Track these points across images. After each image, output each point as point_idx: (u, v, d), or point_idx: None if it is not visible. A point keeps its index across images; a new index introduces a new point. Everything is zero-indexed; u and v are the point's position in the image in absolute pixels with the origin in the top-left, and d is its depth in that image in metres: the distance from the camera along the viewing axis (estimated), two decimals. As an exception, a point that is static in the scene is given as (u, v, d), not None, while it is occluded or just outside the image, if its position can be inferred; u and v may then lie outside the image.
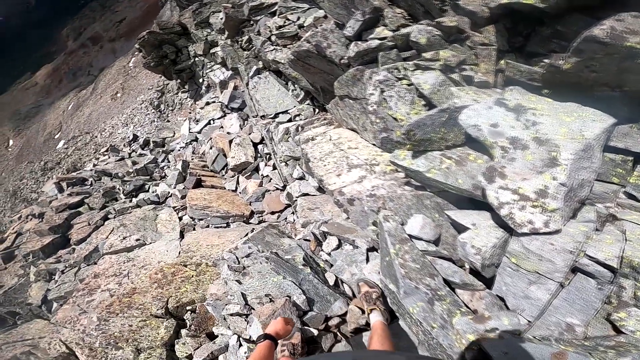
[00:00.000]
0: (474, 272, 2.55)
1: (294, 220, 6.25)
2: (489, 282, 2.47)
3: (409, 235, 2.73)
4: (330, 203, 4.76)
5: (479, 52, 3.05)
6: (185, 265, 5.33)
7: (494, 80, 3.00)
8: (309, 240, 3.90)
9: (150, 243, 6.42)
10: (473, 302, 2.42)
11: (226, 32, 8.80)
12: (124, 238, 6.50)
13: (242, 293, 3.06)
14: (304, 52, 4.32)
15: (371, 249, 3.41)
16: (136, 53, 23.33)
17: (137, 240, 6.42)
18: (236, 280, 3.19)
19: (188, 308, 4.60)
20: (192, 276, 5.07)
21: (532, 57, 2.97)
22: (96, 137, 21.27)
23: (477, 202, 2.69)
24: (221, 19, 9.01)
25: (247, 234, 5.92)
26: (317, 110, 6.37)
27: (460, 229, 2.67)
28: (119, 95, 25.83)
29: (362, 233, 3.57)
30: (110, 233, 6.89)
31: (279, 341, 2.24)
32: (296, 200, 5.29)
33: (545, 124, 2.46)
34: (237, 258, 3.96)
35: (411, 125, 2.69)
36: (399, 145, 3.09)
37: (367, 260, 3.25)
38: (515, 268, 2.21)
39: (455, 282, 2.49)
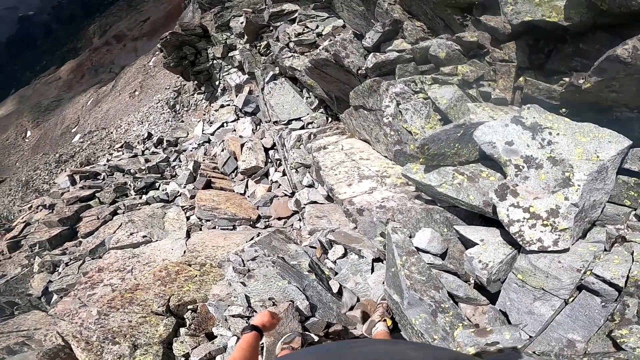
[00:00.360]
0: (478, 287, 2.53)
1: (300, 227, 6.23)
2: (492, 297, 2.45)
3: (417, 248, 2.70)
4: (338, 212, 4.75)
5: (498, 68, 3.04)
6: (190, 265, 5.33)
7: (511, 98, 2.98)
8: (315, 248, 3.89)
9: (157, 240, 6.45)
10: (475, 316, 2.40)
11: (245, 37, 8.93)
12: (131, 234, 6.54)
13: (245, 295, 3.05)
14: (322, 61, 4.35)
15: (377, 260, 3.39)
16: (157, 53, 23.75)
17: (144, 237, 6.46)
18: (241, 282, 3.18)
19: (189, 307, 4.58)
20: (196, 276, 5.07)
21: (552, 74, 2.95)
22: (111, 133, 21.62)
23: (486, 219, 2.67)
24: (241, 23, 9.15)
25: (252, 238, 5.93)
26: (330, 119, 6.39)
27: (468, 244, 2.65)
28: (137, 93, 26.27)
29: (369, 243, 3.55)
30: (118, 228, 6.94)
31: (279, 343, 2.28)
32: (304, 207, 5.28)
33: (560, 143, 2.43)
34: (242, 261, 3.96)
35: (426, 139, 2.67)
36: (412, 159, 3.09)
37: (372, 270, 3.23)
38: (521, 284, 2.19)
39: (459, 296, 2.47)
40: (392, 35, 3.84)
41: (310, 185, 5.53)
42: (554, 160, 2.41)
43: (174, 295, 4.73)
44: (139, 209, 7.45)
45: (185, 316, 4.44)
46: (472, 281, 2.60)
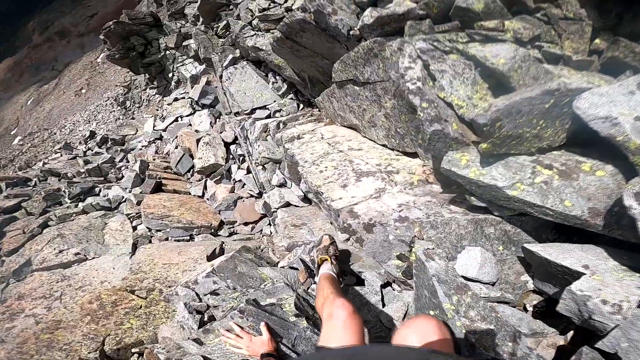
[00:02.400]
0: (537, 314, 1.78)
1: (272, 233, 5.18)
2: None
3: (463, 277, 1.74)
4: (320, 217, 3.74)
5: (563, 27, 2.12)
6: (133, 292, 4.11)
7: (590, 63, 2.06)
8: (296, 269, 2.86)
9: (94, 258, 5.11)
10: (538, 349, 1.59)
11: (201, 19, 7.63)
12: (60, 251, 5.17)
13: (204, 358, 1.93)
14: (298, 24, 3.30)
15: (385, 285, 2.40)
16: (105, 49, 21.50)
17: (77, 254, 5.12)
18: (194, 341, 2.06)
19: (134, 350, 3.39)
20: (141, 307, 3.86)
21: (633, 39, 2.06)
22: (55, 134, 19.28)
23: (567, 230, 1.73)
24: (196, 2, 7.82)
25: (214, 251, 4.76)
26: (301, 105, 5.36)
27: (550, 269, 1.69)
28: (83, 91, 23.83)
29: (370, 262, 2.56)
30: (46, 244, 5.50)
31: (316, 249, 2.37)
32: (275, 212, 4.21)
33: None
34: (197, 295, 2.84)
35: (501, 112, 1.72)
36: (454, 145, 2.10)
37: (383, 302, 2.22)
38: None
39: (524, 332, 1.72)
40: None
41: (282, 185, 4.47)
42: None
43: (110, 336, 3.54)
44: (73, 220, 6.02)
45: (128, 361, 3.27)
46: (530, 309, 1.83)
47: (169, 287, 4.13)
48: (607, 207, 1.58)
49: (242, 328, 1.93)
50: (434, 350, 1.23)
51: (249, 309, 2.00)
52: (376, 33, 2.68)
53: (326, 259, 2.35)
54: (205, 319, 2.81)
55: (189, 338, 2.20)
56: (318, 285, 2.03)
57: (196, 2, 9.75)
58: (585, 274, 1.52)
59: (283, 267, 3.05)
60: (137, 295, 4.02)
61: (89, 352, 3.40)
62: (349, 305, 1.48)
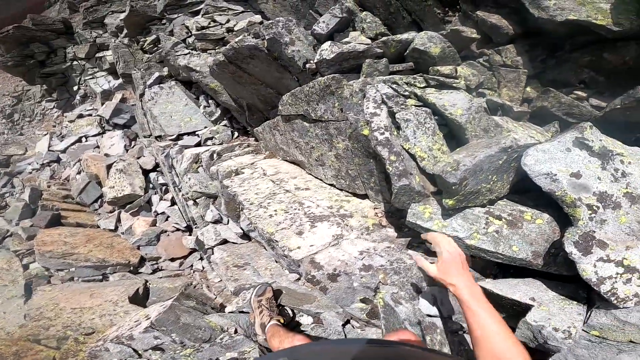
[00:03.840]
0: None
1: (204, 269, 4.66)
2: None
3: (428, 315, 1.89)
4: (263, 256, 3.44)
5: (503, 75, 2.25)
6: (38, 342, 3.32)
7: (526, 115, 2.20)
8: (247, 313, 2.60)
9: (-29, 305, 4.01)
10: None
11: (125, 31, 6.85)
12: None
13: None
14: (247, 50, 3.05)
15: (346, 323, 2.30)
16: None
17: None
18: None
19: None
20: (54, 358, 3.08)
21: (557, 86, 2.29)
22: None
23: (505, 265, 1.91)
24: (121, 20, 7.01)
25: (138, 290, 4.08)
26: (236, 133, 5.04)
27: (505, 303, 1.81)
28: (-41, 100, 19.83)
29: (326, 301, 2.39)
30: None
31: (252, 297, 2.24)
32: (211, 251, 3.77)
33: (635, 175, 1.73)
34: (135, 351, 2.34)
35: (468, 171, 1.75)
36: (416, 197, 2.04)
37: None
38: (597, 340, 1.55)
39: None
40: (344, 26, 2.80)
41: (218, 221, 4.05)
42: (631, 197, 1.70)
43: None
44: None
45: None
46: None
47: (87, 334, 3.37)
48: (545, 249, 1.76)
49: None
50: (371, 339, 1.23)
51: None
52: (334, 69, 2.59)
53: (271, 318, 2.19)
54: None
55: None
56: (269, 332, 1.98)
57: (121, 12, 8.84)
58: (533, 305, 1.65)
59: (232, 312, 2.69)
60: (45, 346, 3.23)
61: None
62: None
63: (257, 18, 4.27)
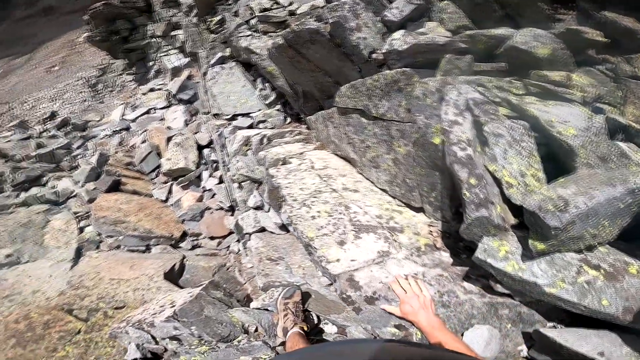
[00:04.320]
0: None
1: (239, 251, 4.58)
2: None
3: None
4: (299, 251, 3.20)
5: (632, 89, 1.73)
6: (71, 312, 3.41)
7: None
8: (271, 311, 2.42)
9: (28, 262, 4.28)
10: None
11: (195, 10, 6.93)
12: None
13: None
14: (307, 34, 2.79)
15: None
16: (87, 30, 20.02)
17: (8, 256, 4.30)
18: None
19: None
20: (79, 331, 3.19)
21: None
22: (14, 108, 17.50)
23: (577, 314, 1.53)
24: None
25: (173, 267, 4.08)
26: (288, 119, 4.81)
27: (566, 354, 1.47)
28: (56, 68, 22.05)
29: (354, 314, 2.10)
30: None
31: (279, 298, 2.12)
32: (249, 237, 3.62)
33: None
34: (153, 338, 2.25)
35: (579, 215, 1.36)
36: (493, 230, 1.63)
37: None
38: None
39: None
40: (419, 15, 2.41)
41: (259, 207, 3.87)
42: None
43: None
44: (11, 213, 5.11)
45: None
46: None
47: (117, 308, 3.43)
48: (640, 305, 1.44)
49: None
50: (388, 339, 1.33)
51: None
52: (404, 62, 2.21)
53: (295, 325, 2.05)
54: None
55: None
56: (289, 342, 1.87)
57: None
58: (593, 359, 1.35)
59: (257, 308, 2.52)
60: (76, 317, 3.32)
61: None
62: None
63: (320, 2, 3.98)
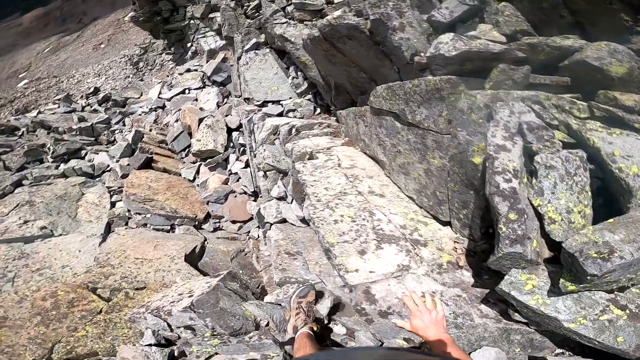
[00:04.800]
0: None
1: (259, 237, 4.56)
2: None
3: None
4: (317, 247, 3.14)
5: None
6: (95, 290, 3.49)
7: None
8: (284, 307, 2.40)
9: (61, 235, 4.45)
10: None
11: None
12: (26, 222, 4.52)
13: None
14: (345, 29, 2.64)
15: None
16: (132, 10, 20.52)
17: (43, 228, 4.46)
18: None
19: None
20: (101, 311, 3.27)
21: None
22: (62, 82, 18.33)
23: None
24: None
25: (195, 249, 4.12)
26: (318, 109, 4.70)
27: None
28: (102, 46, 22.89)
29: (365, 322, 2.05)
30: (13, 209, 4.80)
31: (293, 296, 2.13)
32: (270, 227, 3.58)
33: None
34: (168, 326, 2.27)
35: (622, 265, 1.23)
36: (523, 264, 1.50)
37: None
38: None
39: None
40: (470, 16, 2.21)
41: (282, 198, 3.82)
42: None
43: (60, 343, 2.93)
44: (49, 184, 5.32)
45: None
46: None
47: (138, 289, 3.49)
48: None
49: None
50: (391, 347, 1.34)
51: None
52: (450, 69, 2.01)
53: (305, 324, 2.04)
54: (176, 354, 2.37)
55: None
56: (297, 343, 1.87)
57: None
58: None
59: (270, 302, 2.50)
60: (99, 296, 3.40)
61: (34, 359, 2.80)
62: None
63: (360, -10, 3.79)
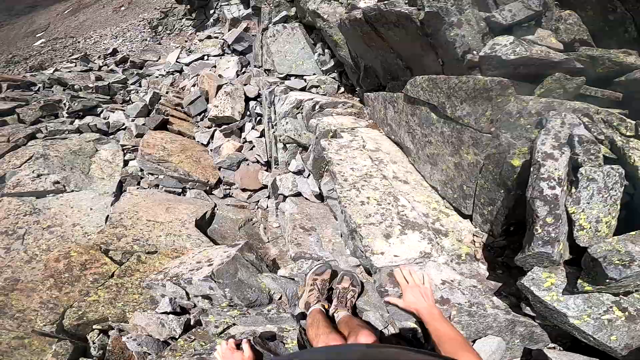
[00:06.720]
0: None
1: (267, 208, 4.45)
2: None
3: None
4: (330, 225, 3.07)
5: None
6: (107, 252, 3.36)
7: None
8: (297, 282, 2.37)
9: (73, 191, 4.32)
10: None
11: None
12: (39, 176, 4.35)
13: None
14: (394, 16, 2.43)
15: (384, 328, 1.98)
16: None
17: (55, 183, 4.31)
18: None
19: (96, 327, 2.66)
20: (113, 275, 3.14)
21: None
22: (79, 42, 17.85)
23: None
24: None
25: (205, 214, 4.02)
26: (342, 88, 4.50)
27: None
28: (122, 8, 22.24)
29: (373, 299, 2.08)
30: (26, 161, 4.65)
31: (309, 273, 2.12)
32: (285, 200, 3.47)
33: None
34: (186, 294, 2.18)
35: (638, 272, 1.31)
36: (546, 263, 1.53)
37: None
38: None
39: None
40: (529, 20, 2.08)
41: (299, 172, 3.69)
42: None
43: (72, 308, 2.80)
44: (63, 138, 5.17)
45: (89, 337, 2.59)
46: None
47: (149, 253, 3.37)
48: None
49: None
50: (369, 344, 1.34)
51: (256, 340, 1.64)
52: (503, 71, 1.90)
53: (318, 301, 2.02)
54: (192, 322, 2.26)
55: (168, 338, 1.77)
56: (310, 318, 1.87)
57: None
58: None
59: (284, 276, 2.42)
60: (111, 258, 3.22)
61: (45, 324, 2.65)
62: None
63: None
